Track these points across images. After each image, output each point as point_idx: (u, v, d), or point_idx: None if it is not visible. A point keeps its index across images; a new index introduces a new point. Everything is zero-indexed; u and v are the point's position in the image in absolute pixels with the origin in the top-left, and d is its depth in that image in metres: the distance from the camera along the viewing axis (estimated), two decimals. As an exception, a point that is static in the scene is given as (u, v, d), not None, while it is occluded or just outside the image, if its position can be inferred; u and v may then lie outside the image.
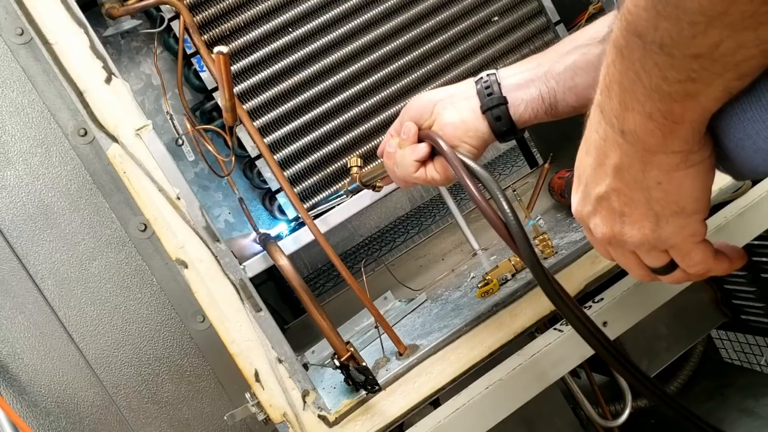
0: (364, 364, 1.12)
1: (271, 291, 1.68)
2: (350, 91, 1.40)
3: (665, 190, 0.60)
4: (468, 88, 1.02)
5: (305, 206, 1.35)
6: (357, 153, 1.37)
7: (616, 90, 0.56)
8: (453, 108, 1.01)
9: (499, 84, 0.99)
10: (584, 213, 0.69)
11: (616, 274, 1.21)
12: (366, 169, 1.24)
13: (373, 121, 1.41)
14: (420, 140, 1.03)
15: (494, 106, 0.98)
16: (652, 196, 0.60)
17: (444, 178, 1.02)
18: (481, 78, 1.01)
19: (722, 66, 0.49)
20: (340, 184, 1.37)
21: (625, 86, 0.54)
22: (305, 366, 1.32)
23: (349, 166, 1.26)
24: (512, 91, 0.98)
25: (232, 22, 1.34)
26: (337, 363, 1.13)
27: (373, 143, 1.41)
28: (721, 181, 1.27)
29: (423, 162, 1.02)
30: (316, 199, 1.37)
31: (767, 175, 0.62)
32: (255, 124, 1.33)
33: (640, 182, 0.60)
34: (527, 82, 0.99)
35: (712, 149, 0.58)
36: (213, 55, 1.10)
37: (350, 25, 1.40)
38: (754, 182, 1.26)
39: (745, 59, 0.48)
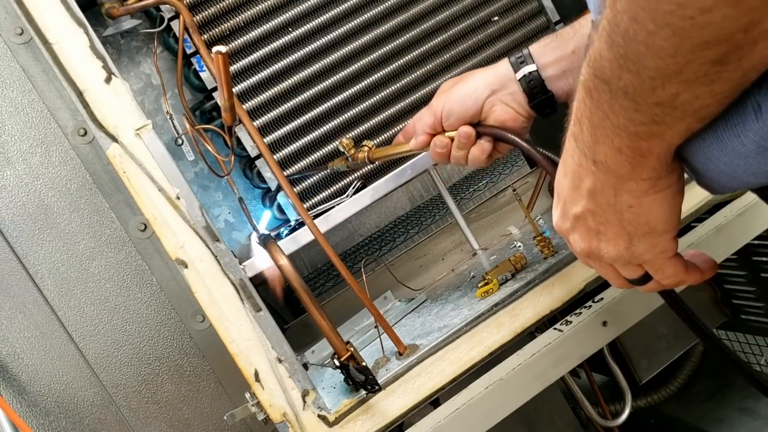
0: (364, 363, 1.12)
1: (271, 291, 1.68)
2: (350, 91, 1.40)
3: (636, 213, 0.64)
4: (508, 80, 1.06)
5: (305, 206, 1.35)
6: (348, 136, 1.37)
7: (587, 124, 0.60)
8: (502, 105, 1.08)
9: (542, 79, 1.04)
10: (564, 228, 0.73)
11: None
12: (378, 150, 1.26)
13: (373, 121, 1.41)
14: (479, 135, 1.09)
15: (542, 101, 1.05)
16: (624, 218, 0.65)
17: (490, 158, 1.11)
18: (522, 69, 1.05)
19: (682, 112, 0.53)
20: (335, 162, 1.37)
21: (595, 122, 0.59)
22: (305, 366, 1.32)
23: (343, 147, 1.29)
24: (554, 82, 1.04)
25: (231, 21, 1.34)
26: (337, 363, 1.13)
27: (374, 142, 1.40)
28: (721, 180, 1.27)
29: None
30: (315, 199, 1.37)
31: (740, 189, 0.65)
32: (254, 123, 1.33)
33: (613, 205, 0.64)
34: (565, 72, 1.03)
35: (681, 173, 0.63)
36: (212, 55, 1.10)
37: (350, 24, 1.40)
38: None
39: (703, 107, 0.52)
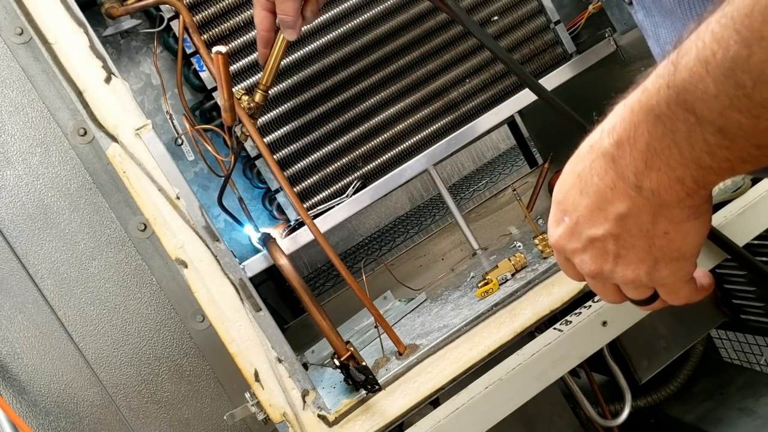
0: (363, 363, 1.12)
1: (271, 291, 1.68)
2: (350, 91, 1.40)
3: (671, 239, 0.61)
4: None
5: (305, 206, 1.35)
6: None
7: (639, 149, 0.55)
8: None
9: None
10: (570, 248, 0.68)
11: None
12: (265, 75, 1.24)
13: (373, 121, 1.41)
14: None
15: None
16: (654, 244, 0.61)
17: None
18: None
19: None
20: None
21: (656, 149, 0.54)
22: (305, 366, 1.32)
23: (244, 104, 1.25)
24: None
25: (231, 21, 1.34)
26: (337, 362, 1.13)
27: (373, 143, 1.41)
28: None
29: None
30: (315, 199, 1.37)
31: None
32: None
33: (646, 231, 0.61)
34: None
35: (711, 207, 0.61)
36: (212, 55, 1.10)
37: (350, 25, 1.40)
38: (754, 182, 1.26)
39: None
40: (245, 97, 1.23)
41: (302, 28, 1.23)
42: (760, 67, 0.44)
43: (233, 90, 1.21)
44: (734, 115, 0.47)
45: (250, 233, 1.41)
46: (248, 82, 1.34)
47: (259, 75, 1.26)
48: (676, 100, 0.50)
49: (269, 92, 1.26)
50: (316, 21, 1.39)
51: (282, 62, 1.35)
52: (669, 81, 0.51)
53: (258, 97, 1.24)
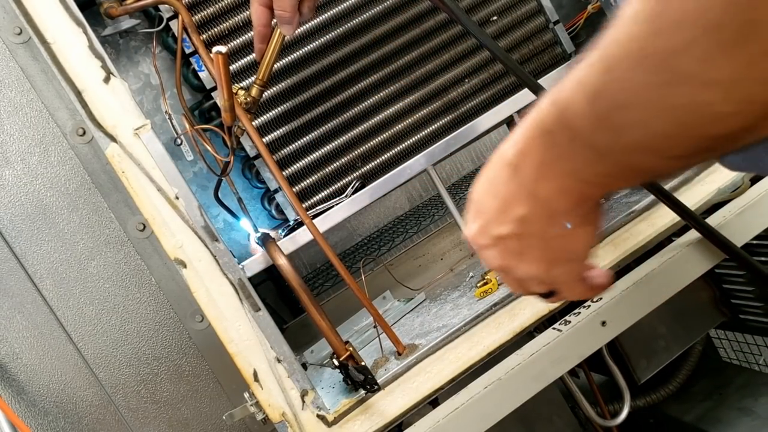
0: (363, 363, 1.12)
1: (270, 290, 1.68)
2: (349, 91, 1.40)
3: (564, 242, 0.67)
4: None
5: (304, 206, 1.35)
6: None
7: (533, 160, 0.61)
8: None
9: None
10: (479, 243, 0.73)
11: (616, 274, 1.21)
12: (262, 67, 1.25)
13: (372, 121, 1.41)
14: None
15: None
16: (549, 246, 0.68)
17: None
18: None
19: (651, 175, 0.55)
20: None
21: (546, 161, 0.59)
22: (304, 365, 1.32)
23: (240, 100, 1.25)
24: None
25: (230, 21, 1.34)
26: (336, 362, 1.13)
27: (372, 143, 1.41)
28: (720, 180, 1.27)
29: None
30: (314, 199, 1.37)
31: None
32: (254, 123, 1.33)
33: (543, 234, 0.66)
34: None
35: (601, 201, 0.66)
36: (212, 55, 1.10)
37: (349, 25, 1.40)
38: (753, 182, 1.27)
39: (674, 173, 0.54)
40: (241, 92, 1.24)
41: (299, 25, 1.23)
42: (614, 94, 0.48)
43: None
44: (600, 135, 0.52)
45: (247, 227, 1.41)
46: (247, 82, 1.34)
47: (254, 80, 1.26)
48: (559, 117, 0.55)
49: (265, 87, 1.26)
50: (315, 20, 1.39)
51: (280, 62, 1.36)
52: (554, 98, 0.55)
53: (254, 91, 1.25)
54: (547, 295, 0.77)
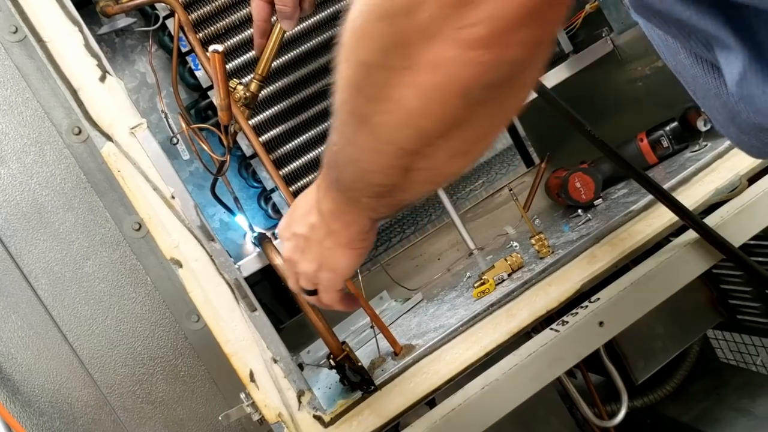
0: (359, 364, 1.12)
1: (266, 291, 1.68)
2: (346, 90, 1.40)
3: (331, 255, 0.84)
4: None
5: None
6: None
7: (323, 186, 0.78)
8: None
9: None
10: (283, 235, 0.92)
11: (613, 274, 1.21)
12: (260, 64, 1.24)
13: (369, 120, 1.40)
14: None
15: None
16: (322, 254, 0.85)
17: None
18: None
19: (366, 209, 0.74)
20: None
21: (325, 188, 0.78)
22: (300, 366, 1.32)
23: (239, 95, 1.24)
24: None
25: (227, 20, 1.33)
26: (333, 363, 1.12)
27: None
28: (718, 180, 1.27)
29: None
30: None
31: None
32: (250, 122, 1.32)
33: (320, 242, 0.84)
34: None
35: (370, 244, 0.83)
36: (208, 54, 1.09)
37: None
38: (751, 182, 1.26)
39: (377, 211, 0.74)
40: (240, 87, 1.23)
41: (298, 27, 1.23)
42: (334, 156, 0.69)
43: (229, 81, 1.22)
44: (332, 188, 0.75)
45: (242, 223, 1.41)
46: (247, 79, 1.34)
47: (253, 75, 1.26)
48: (325, 162, 0.74)
49: (265, 82, 1.26)
50: (313, 19, 1.38)
51: (277, 60, 1.35)
52: (327, 147, 0.71)
53: (253, 86, 1.24)
54: (310, 293, 0.94)
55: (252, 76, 1.25)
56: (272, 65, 1.35)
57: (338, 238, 0.81)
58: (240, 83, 1.24)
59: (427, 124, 0.55)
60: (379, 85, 0.54)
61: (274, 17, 1.19)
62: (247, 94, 1.24)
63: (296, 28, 1.37)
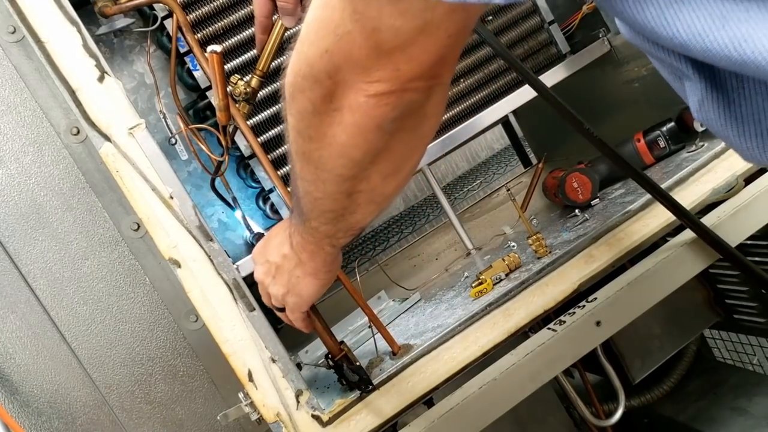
0: (357, 363, 1.12)
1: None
2: (344, 91, 1.40)
3: (298, 282, 0.98)
4: None
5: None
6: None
7: (293, 223, 0.91)
8: None
9: None
10: (257, 259, 1.04)
11: (610, 274, 1.21)
12: (262, 60, 1.24)
13: (367, 121, 1.40)
14: None
15: None
16: (290, 281, 0.98)
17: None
18: None
19: (323, 236, 0.87)
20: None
21: (292, 223, 0.91)
22: (299, 366, 1.32)
23: (238, 91, 1.24)
24: None
25: (225, 20, 1.33)
26: (331, 363, 1.13)
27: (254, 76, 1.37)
28: (715, 180, 1.27)
29: None
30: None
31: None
32: (248, 122, 1.32)
33: (290, 271, 0.97)
34: None
35: (333, 276, 0.99)
36: (207, 54, 1.09)
37: (344, 24, 1.40)
38: (747, 182, 1.27)
39: (331, 237, 0.86)
40: (241, 83, 1.23)
41: (296, 27, 1.23)
42: (294, 193, 0.83)
43: (229, 77, 1.22)
44: (297, 222, 0.89)
45: (241, 219, 1.41)
46: (247, 77, 1.34)
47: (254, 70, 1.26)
48: (292, 201, 0.88)
49: (265, 79, 1.26)
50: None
51: (276, 60, 1.35)
52: (290, 188, 0.88)
53: (254, 82, 1.24)
54: (279, 310, 1.07)
55: (253, 71, 1.25)
56: (272, 64, 1.35)
57: (305, 269, 0.95)
58: (241, 78, 1.24)
59: (357, 154, 0.69)
60: (315, 127, 0.68)
61: (276, 14, 1.19)
62: (248, 89, 1.24)
63: (296, 27, 1.37)
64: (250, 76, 1.26)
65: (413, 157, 0.76)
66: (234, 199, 1.42)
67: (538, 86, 1.20)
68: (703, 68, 0.61)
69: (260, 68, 1.24)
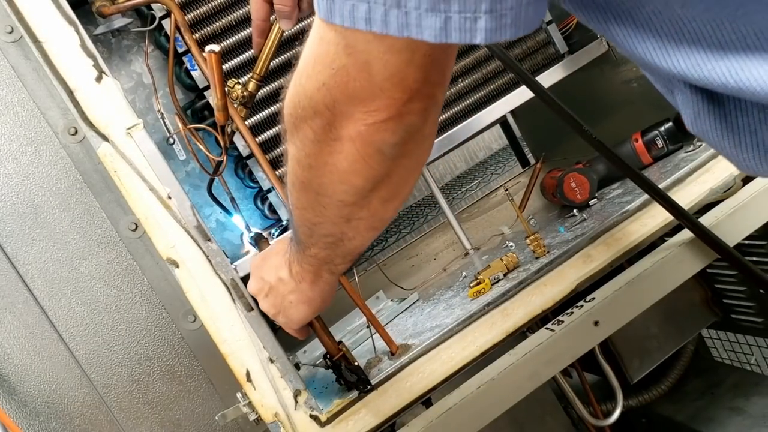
0: (356, 363, 1.12)
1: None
2: (342, 91, 1.40)
3: (291, 306, 1.00)
4: None
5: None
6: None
7: (292, 251, 0.94)
8: None
9: None
10: (253, 273, 1.05)
11: (608, 274, 1.21)
12: (258, 64, 1.24)
13: (365, 121, 1.40)
14: None
15: None
16: (283, 303, 1.00)
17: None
18: None
19: (325, 262, 0.89)
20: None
21: (291, 252, 0.94)
22: (297, 366, 1.32)
23: (235, 95, 1.24)
24: None
25: (223, 20, 1.33)
26: (329, 362, 1.13)
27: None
28: (712, 180, 1.27)
29: None
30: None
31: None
32: (247, 123, 1.32)
33: (284, 296, 0.99)
34: None
35: (327, 301, 1.00)
36: (205, 54, 1.09)
37: (342, 24, 1.40)
38: (745, 182, 1.27)
39: (333, 262, 0.89)
40: (238, 86, 1.23)
41: (298, 20, 1.23)
42: (293, 222, 0.86)
43: (226, 81, 1.22)
44: (297, 251, 0.91)
45: (239, 223, 1.41)
46: (244, 79, 1.34)
47: (251, 74, 1.25)
48: (291, 231, 0.91)
49: (263, 82, 1.26)
50: (308, 20, 1.38)
51: (274, 61, 1.35)
52: (289, 219, 0.88)
53: (251, 85, 1.24)
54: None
55: (250, 75, 1.25)
56: (270, 65, 1.35)
57: (301, 296, 0.98)
58: (238, 82, 1.24)
59: (359, 181, 0.71)
60: (315, 155, 0.70)
61: (273, 16, 1.19)
62: (245, 93, 1.24)
63: (294, 28, 1.37)
64: (246, 79, 1.26)
65: (411, 180, 0.77)
66: (232, 199, 1.42)
67: (535, 88, 1.20)
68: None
69: (257, 72, 1.24)
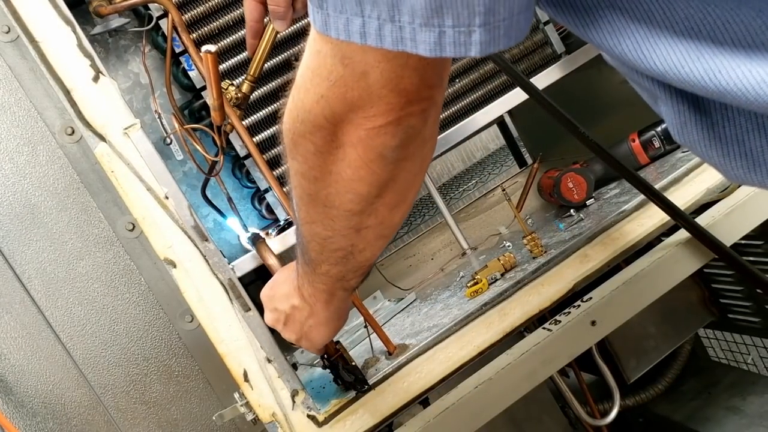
0: (353, 363, 1.12)
1: (260, 290, 1.68)
2: (340, 91, 1.40)
3: (311, 330, 1.00)
4: None
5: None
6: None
7: (301, 275, 0.93)
8: None
9: None
10: (267, 305, 1.04)
11: (605, 274, 1.21)
12: (252, 65, 1.23)
13: (363, 121, 1.40)
14: None
15: None
16: (302, 329, 1.00)
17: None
18: None
19: (336, 279, 0.88)
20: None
21: (300, 274, 0.93)
22: (294, 366, 1.32)
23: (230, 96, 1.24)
24: None
25: (220, 20, 1.33)
26: (327, 362, 1.13)
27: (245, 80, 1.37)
28: (709, 180, 1.27)
29: None
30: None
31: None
32: (244, 123, 1.32)
33: (302, 321, 0.99)
34: None
35: (345, 319, 1.02)
36: (201, 54, 1.09)
37: (340, 24, 1.40)
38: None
39: (345, 278, 0.88)
40: (232, 88, 1.23)
41: (292, 21, 1.23)
42: (301, 241, 0.85)
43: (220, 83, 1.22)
44: (307, 272, 0.90)
45: (234, 226, 1.41)
46: (239, 80, 1.34)
47: (245, 76, 1.26)
48: (297, 252, 0.90)
49: (256, 84, 1.26)
50: (306, 20, 1.38)
51: (271, 60, 1.35)
52: (296, 240, 0.89)
53: (245, 87, 1.24)
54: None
55: (244, 77, 1.25)
56: (265, 66, 1.35)
57: (318, 318, 0.97)
58: (232, 84, 1.24)
59: (363, 188, 0.70)
60: (319, 167, 0.70)
61: (267, 18, 1.19)
62: (239, 95, 1.24)
63: (289, 29, 1.37)
64: (240, 81, 1.26)
65: (416, 184, 0.77)
66: (230, 199, 1.42)
67: (530, 90, 1.20)
68: (684, 92, 0.63)
69: (251, 73, 1.24)
